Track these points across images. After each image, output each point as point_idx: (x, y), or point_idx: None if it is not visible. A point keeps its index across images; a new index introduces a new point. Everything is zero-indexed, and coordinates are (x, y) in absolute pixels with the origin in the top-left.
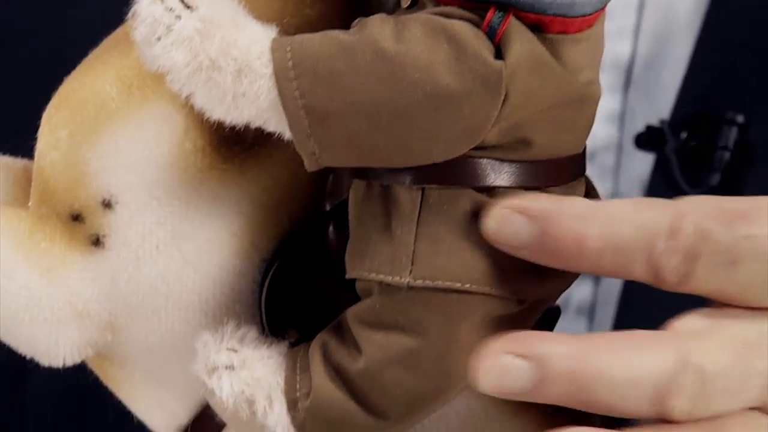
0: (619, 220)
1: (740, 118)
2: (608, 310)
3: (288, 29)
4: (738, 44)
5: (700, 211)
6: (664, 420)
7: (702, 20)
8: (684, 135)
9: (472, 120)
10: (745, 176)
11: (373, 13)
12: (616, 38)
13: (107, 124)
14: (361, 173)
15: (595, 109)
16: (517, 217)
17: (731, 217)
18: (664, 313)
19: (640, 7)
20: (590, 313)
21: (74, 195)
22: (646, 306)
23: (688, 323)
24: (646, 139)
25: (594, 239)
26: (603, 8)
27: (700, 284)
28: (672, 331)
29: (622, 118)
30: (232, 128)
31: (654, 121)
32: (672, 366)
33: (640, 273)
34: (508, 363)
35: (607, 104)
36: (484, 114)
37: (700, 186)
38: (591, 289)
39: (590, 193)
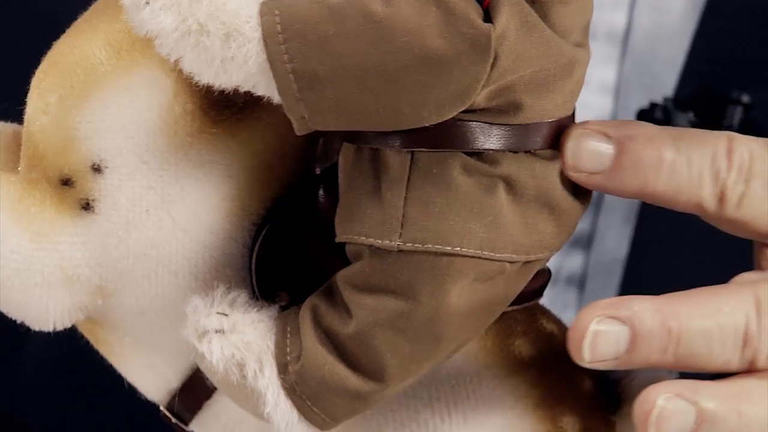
0: (686, 138)
1: (745, 98)
2: (599, 281)
3: None
4: (743, 23)
5: (746, 139)
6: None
7: None
8: (690, 114)
9: (462, 82)
10: None
11: None
12: (611, 8)
13: (96, 88)
14: (351, 137)
15: (584, 72)
16: (595, 136)
17: None
18: (668, 284)
19: None
20: (581, 283)
21: (64, 159)
22: (650, 276)
23: (748, 276)
24: (649, 116)
25: (669, 151)
26: None
27: (755, 206)
28: (739, 282)
29: (616, 89)
30: (222, 92)
31: (650, 93)
32: (750, 308)
33: (708, 190)
34: (601, 329)
35: (602, 75)
36: (474, 76)
37: None
38: (582, 261)
39: None
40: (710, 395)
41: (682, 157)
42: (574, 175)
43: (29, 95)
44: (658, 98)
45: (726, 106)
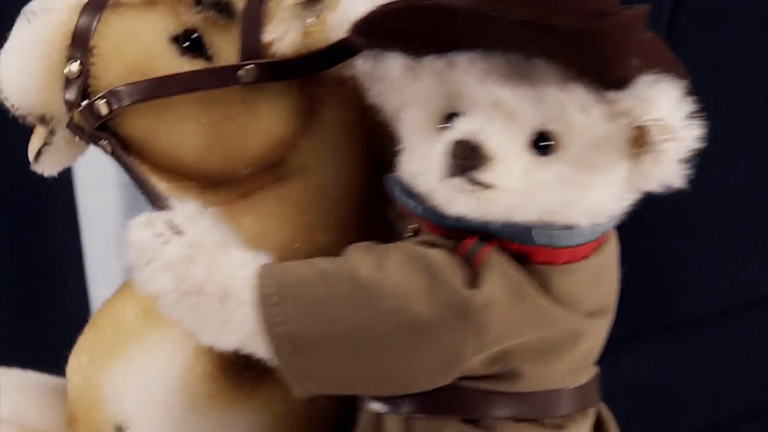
0: None
1: None
2: None
3: (298, 256)
4: None
5: None
6: None
7: None
8: None
9: (451, 348)
10: None
11: (391, 241)
12: None
13: (122, 349)
14: (357, 400)
15: (599, 343)
16: None
17: None
18: None
19: None
20: None
21: (92, 419)
22: None
23: None
24: None
25: None
26: (599, 240)
27: None
28: None
29: None
30: (243, 354)
31: None
32: None
33: None
34: None
35: None
36: (460, 342)
37: None
38: None
39: (603, 429)
40: None
41: None
42: None
43: (73, 351)
44: None
45: None
